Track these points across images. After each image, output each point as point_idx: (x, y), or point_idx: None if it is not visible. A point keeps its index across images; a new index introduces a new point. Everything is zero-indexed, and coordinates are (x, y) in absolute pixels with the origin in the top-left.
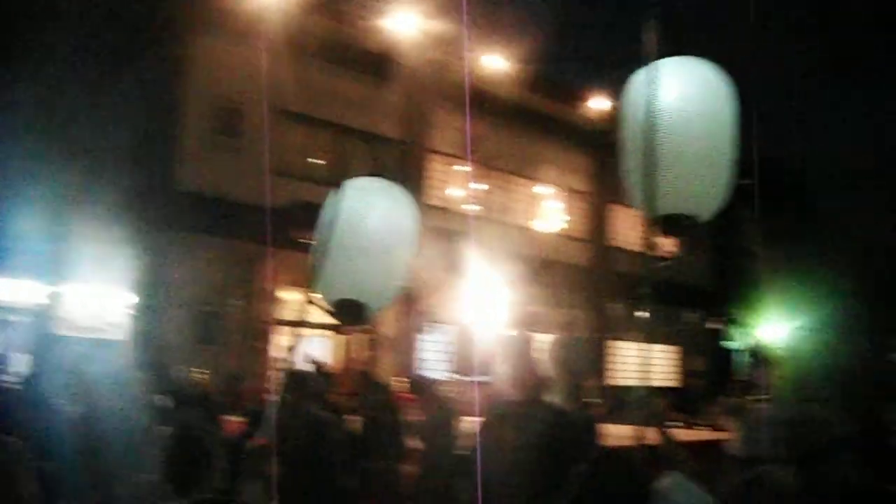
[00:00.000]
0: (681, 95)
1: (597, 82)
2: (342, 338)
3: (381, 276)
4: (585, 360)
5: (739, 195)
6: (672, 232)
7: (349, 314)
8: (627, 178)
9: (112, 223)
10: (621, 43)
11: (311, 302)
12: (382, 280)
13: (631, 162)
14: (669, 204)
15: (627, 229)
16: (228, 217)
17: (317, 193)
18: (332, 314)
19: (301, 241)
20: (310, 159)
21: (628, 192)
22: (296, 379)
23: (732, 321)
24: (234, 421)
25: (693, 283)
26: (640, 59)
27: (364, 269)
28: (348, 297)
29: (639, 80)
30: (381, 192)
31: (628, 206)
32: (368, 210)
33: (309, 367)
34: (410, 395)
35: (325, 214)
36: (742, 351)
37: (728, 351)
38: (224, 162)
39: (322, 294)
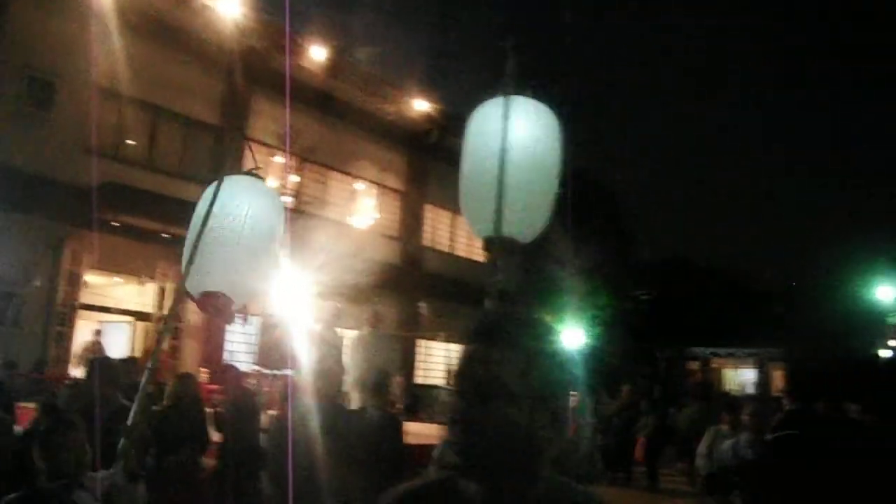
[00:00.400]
0: (519, 132)
1: (419, 84)
2: (146, 325)
3: (247, 270)
4: (390, 357)
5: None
6: (497, 251)
7: (215, 307)
8: (464, 200)
9: None
10: (449, 50)
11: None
12: (249, 275)
13: (467, 187)
14: (500, 227)
15: (440, 230)
16: (35, 194)
17: (129, 175)
18: (198, 306)
19: (111, 223)
20: (124, 139)
21: (463, 211)
22: (99, 365)
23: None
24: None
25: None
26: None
27: (232, 263)
28: (215, 289)
29: (482, 114)
30: (252, 190)
31: (441, 207)
32: (240, 207)
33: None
34: (215, 385)
35: (199, 208)
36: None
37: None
38: (34, 136)
39: (190, 286)
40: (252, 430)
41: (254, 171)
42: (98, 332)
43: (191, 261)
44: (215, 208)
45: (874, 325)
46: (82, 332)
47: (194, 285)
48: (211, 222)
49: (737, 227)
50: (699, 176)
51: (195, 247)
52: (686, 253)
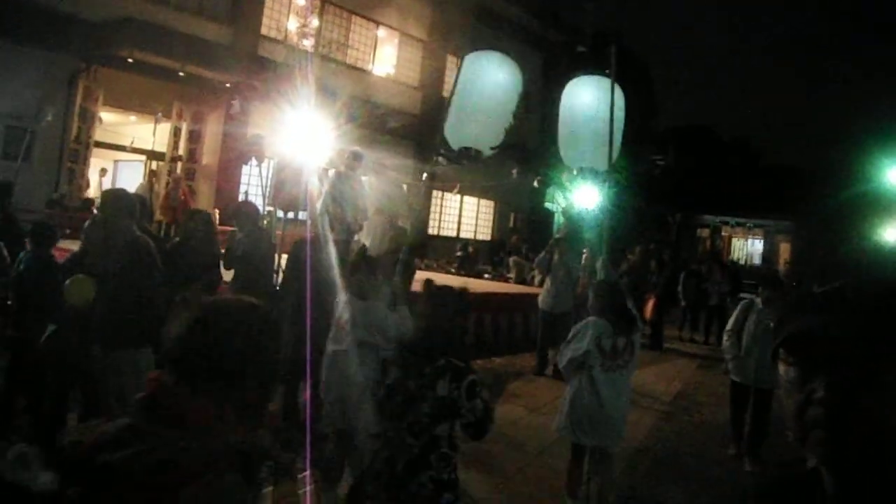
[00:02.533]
0: (486, 75)
1: None
2: (160, 164)
3: (491, 127)
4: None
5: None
6: (465, 157)
7: (468, 157)
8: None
9: None
10: None
11: None
12: (493, 130)
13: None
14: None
15: None
16: (49, 27)
17: (146, 11)
18: (453, 158)
19: (126, 59)
20: None
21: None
22: (116, 197)
23: None
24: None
25: None
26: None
27: (480, 121)
28: (468, 145)
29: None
30: (493, 62)
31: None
32: (484, 77)
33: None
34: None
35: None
36: None
37: None
38: None
39: (449, 141)
40: (266, 269)
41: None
42: (103, 171)
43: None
44: (463, 79)
45: (883, 208)
46: (95, 169)
47: (452, 141)
48: (467, 88)
49: (757, 102)
50: (726, 48)
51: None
52: (703, 122)
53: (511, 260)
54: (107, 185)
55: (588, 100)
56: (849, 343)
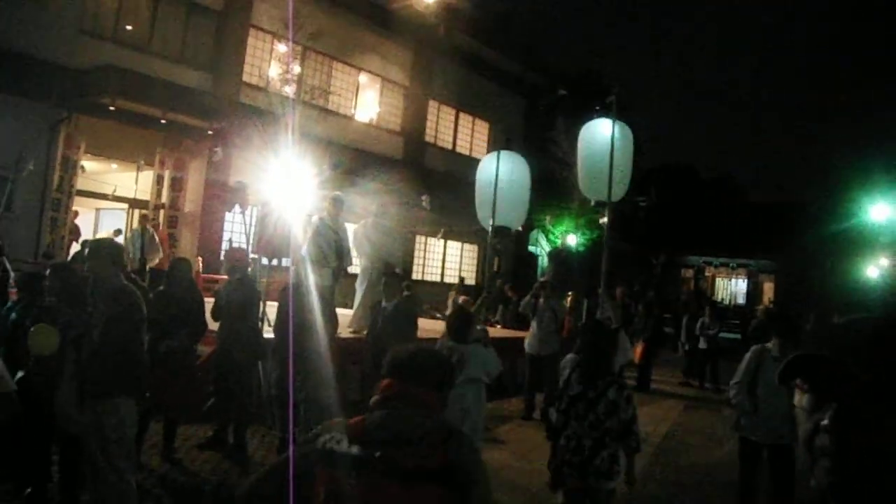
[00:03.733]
0: (507, 169)
1: None
2: (142, 212)
3: (518, 209)
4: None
5: None
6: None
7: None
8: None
9: None
10: None
11: None
12: (519, 211)
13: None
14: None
15: (443, 126)
16: (30, 75)
17: (128, 59)
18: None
19: (108, 107)
20: (121, 23)
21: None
22: (99, 246)
23: None
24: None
25: None
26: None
27: (511, 206)
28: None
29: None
30: (515, 160)
31: (446, 104)
32: (511, 173)
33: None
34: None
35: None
36: None
37: None
38: (30, 16)
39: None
40: (251, 316)
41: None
42: (76, 214)
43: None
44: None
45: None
46: (80, 220)
47: (498, 220)
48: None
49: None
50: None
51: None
52: (686, 162)
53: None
54: (84, 228)
55: (601, 140)
56: (855, 367)
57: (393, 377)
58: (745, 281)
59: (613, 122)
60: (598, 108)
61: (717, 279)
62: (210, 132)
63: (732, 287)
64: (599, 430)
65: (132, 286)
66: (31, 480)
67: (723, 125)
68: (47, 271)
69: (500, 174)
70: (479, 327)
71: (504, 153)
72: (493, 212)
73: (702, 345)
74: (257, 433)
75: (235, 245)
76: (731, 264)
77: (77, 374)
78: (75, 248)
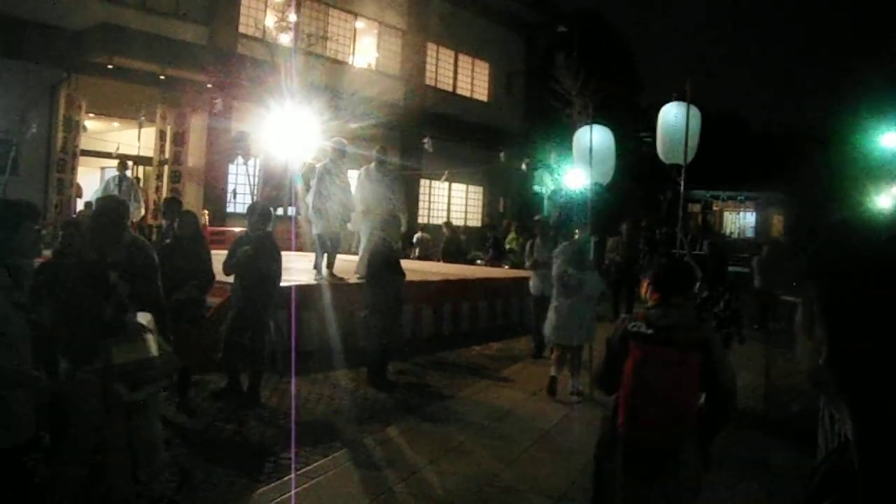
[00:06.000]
0: (598, 138)
1: None
2: (146, 169)
3: (605, 168)
4: (394, 193)
5: None
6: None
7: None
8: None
9: None
10: None
11: None
12: (605, 170)
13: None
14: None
15: (443, 69)
16: (28, 37)
17: (123, 16)
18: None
19: (106, 66)
20: None
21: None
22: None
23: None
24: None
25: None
26: None
27: (598, 166)
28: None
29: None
30: (603, 131)
31: (444, 46)
32: (601, 140)
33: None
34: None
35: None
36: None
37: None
38: None
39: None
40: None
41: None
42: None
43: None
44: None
45: (877, 173)
46: (82, 178)
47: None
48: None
49: (743, 71)
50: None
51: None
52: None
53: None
54: (90, 187)
55: (674, 119)
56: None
57: (658, 290)
58: (754, 214)
59: (688, 105)
60: (675, 94)
61: (725, 213)
62: (209, 85)
63: (741, 220)
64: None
65: (144, 239)
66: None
67: (729, 57)
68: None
69: (594, 142)
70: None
71: (596, 126)
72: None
73: None
74: (269, 381)
75: (240, 197)
76: (738, 197)
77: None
78: (79, 205)
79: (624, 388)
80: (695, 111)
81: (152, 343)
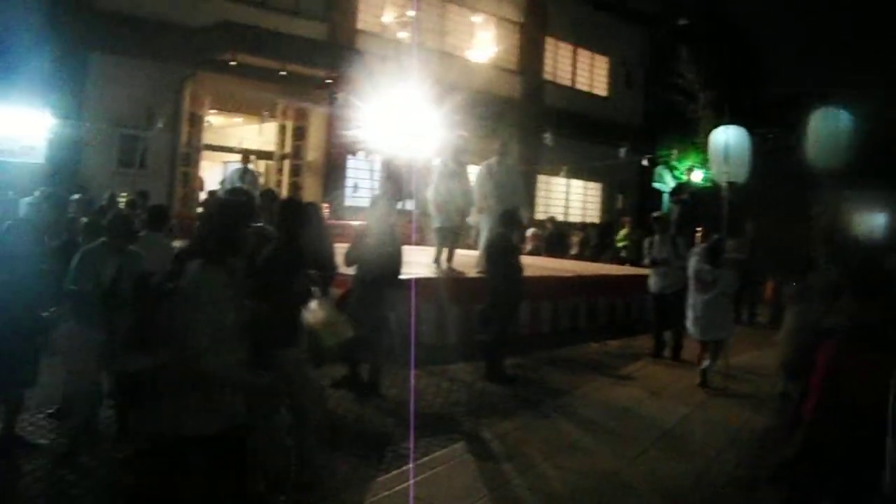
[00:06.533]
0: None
1: None
2: (270, 163)
3: (740, 167)
4: (515, 189)
5: None
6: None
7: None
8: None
9: (33, 44)
10: None
11: None
12: (741, 168)
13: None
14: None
15: (562, 63)
16: (153, 37)
17: (242, 13)
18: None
19: (229, 63)
20: None
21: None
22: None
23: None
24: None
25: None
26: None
27: (735, 164)
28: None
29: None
30: (738, 132)
31: (563, 40)
32: (737, 139)
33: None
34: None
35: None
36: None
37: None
38: None
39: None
40: (396, 263)
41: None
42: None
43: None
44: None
45: None
46: (205, 172)
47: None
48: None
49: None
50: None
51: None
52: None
53: None
54: (213, 181)
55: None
56: None
57: (857, 288)
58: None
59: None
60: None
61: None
62: (329, 81)
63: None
64: None
65: (270, 231)
66: None
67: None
68: None
69: (730, 142)
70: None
71: (731, 128)
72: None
73: None
74: (388, 372)
75: (360, 191)
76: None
77: None
78: (202, 197)
79: (817, 375)
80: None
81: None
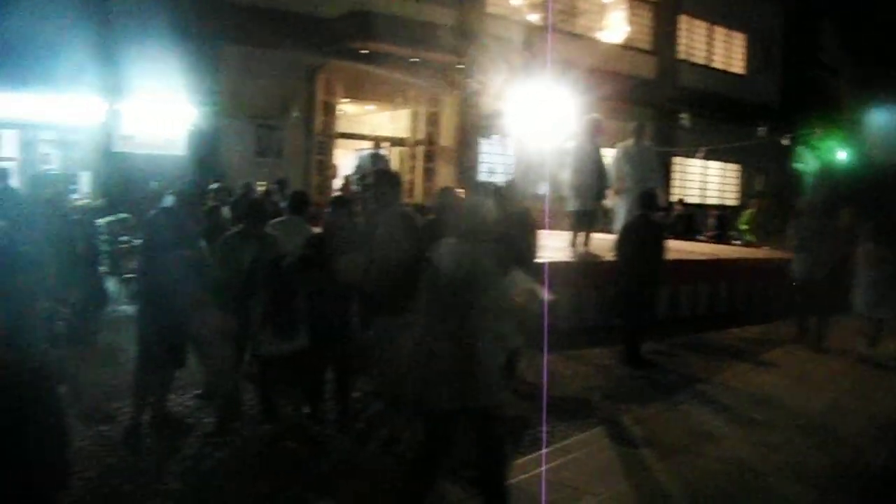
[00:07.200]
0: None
1: None
2: (404, 149)
3: None
4: (652, 170)
5: None
6: None
7: None
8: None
9: (171, 38)
10: None
11: None
12: None
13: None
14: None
15: (696, 42)
16: (286, 28)
17: (370, 2)
18: None
19: (360, 51)
20: None
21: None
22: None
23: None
24: None
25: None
26: None
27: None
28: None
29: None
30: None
31: (697, 17)
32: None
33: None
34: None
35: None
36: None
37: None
38: None
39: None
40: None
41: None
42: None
43: None
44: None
45: None
46: (339, 159)
47: None
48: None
49: None
50: None
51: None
52: None
53: None
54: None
55: None
56: None
57: None
58: None
59: None
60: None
61: None
62: (460, 66)
63: None
64: None
65: (413, 211)
66: (313, 401)
67: None
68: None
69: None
70: None
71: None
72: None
73: None
74: (524, 356)
75: (493, 176)
76: None
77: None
78: (336, 185)
79: None
80: None
81: None
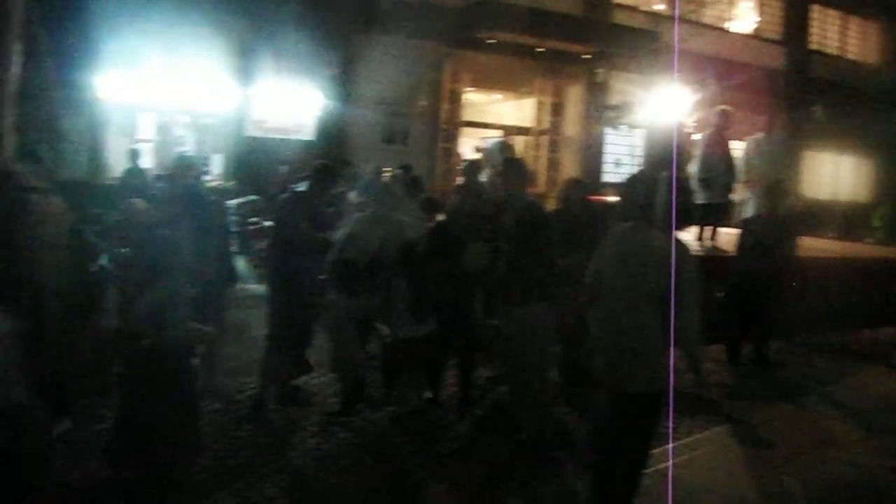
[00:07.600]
0: None
1: None
2: (528, 139)
3: None
4: (783, 163)
5: None
6: None
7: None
8: None
9: (303, 25)
10: None
11: None
12: None
13: None
14: None
15: (829, 32)
16: (413, 16)
17: None
18: None
19: (487, 40)
20: None
21: None
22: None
23: None
24: None
25: None
26: None
27: None
28: None
29: None
30: None
31: (830, 6)
32: None
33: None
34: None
35: None
36: None
37: None
38: None
39: None
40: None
41: None
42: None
43: None
44: None
45: None
46: (465, 148)
47: None
48: None
49: None
50: None
51: None
52: None
53: None
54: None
55: None
56: None
57: None
58: None
59: None
60: None
61: None
62: (587, 56)
63: None
64: None
65: (538, 202)
66: (436, 386)
67: None
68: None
69: None
70: None
71: None
72: None
73: None
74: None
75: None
76: None
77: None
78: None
79: None
80: None
81: None
